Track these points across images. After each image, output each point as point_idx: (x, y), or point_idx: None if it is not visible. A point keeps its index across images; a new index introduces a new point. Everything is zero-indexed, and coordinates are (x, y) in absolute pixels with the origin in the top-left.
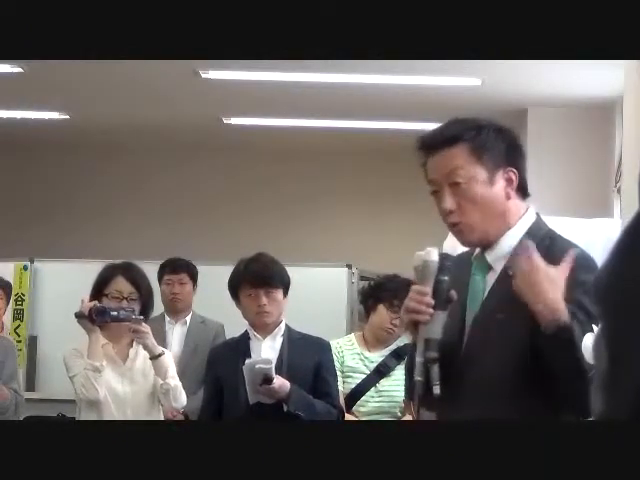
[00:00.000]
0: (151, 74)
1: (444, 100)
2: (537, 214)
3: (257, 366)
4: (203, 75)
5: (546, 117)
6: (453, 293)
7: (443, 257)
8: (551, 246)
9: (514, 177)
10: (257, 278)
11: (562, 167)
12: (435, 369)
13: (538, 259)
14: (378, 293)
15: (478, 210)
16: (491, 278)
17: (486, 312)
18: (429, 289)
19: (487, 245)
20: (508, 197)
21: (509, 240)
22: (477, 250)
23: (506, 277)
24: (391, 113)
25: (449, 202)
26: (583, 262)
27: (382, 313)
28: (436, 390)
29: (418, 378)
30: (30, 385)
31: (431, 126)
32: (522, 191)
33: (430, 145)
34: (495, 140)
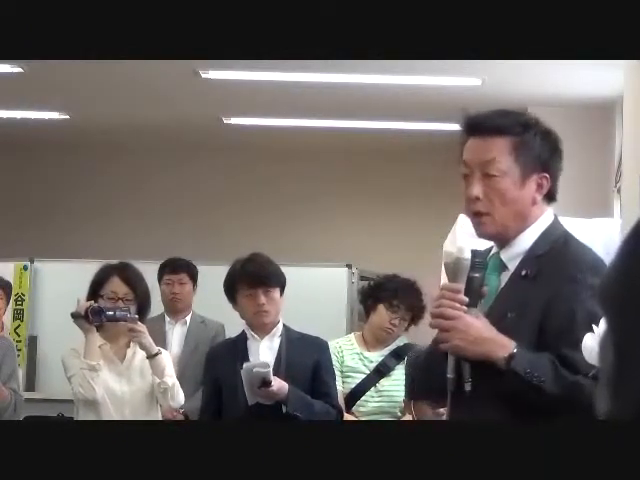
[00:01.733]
0: (151, 74)
1: (444, 100)
2: (555, 215)
3: (255, 369)
4: (203, 75)
5: (546, 117)
6: (485, 290)
7: (475, 254)
8: (564, 246)
9: (545, 184)
10: (255, 278)
11: (562, 167)
12: (467, 366)
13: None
14: (378, 293)
15: (503, 206)
16: (505, 277)
17: (497, 310)
18: (462, 286)
19: (503, 242)
20: (534, 202)
21: (525, 240)
22: (494, 249)
23: (518, 277)
24: (391, 113)
25: (477, 190)
26: (593, 265)
27: (382, 313)
28: (467, 387)
29: (450, 375)
30: (30, 385)
31: (431, 126)
32: (549, 196)
33: (474, 128)
34: (539, 144)
